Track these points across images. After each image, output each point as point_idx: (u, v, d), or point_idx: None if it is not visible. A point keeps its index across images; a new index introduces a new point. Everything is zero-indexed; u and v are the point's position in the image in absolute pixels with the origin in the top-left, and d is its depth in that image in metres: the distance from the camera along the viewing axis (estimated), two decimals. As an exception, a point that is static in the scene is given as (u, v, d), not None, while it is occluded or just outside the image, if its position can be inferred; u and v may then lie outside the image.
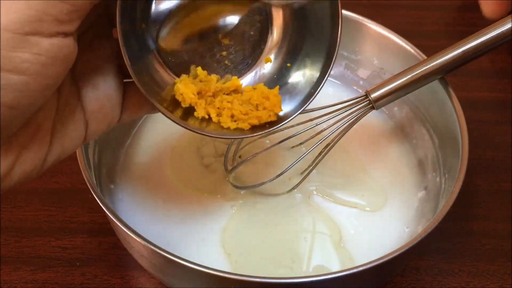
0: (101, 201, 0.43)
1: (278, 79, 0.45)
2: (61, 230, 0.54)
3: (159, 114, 0.39)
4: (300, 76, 0.44)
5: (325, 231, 0.51)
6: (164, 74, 0.41)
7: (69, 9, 0.30)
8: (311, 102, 0.42)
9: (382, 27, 0.59)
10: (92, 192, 0.43)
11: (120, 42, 0.34)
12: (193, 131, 0.40)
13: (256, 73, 0.45)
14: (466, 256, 0.54)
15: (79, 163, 0.46)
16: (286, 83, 0.44)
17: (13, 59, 0.29)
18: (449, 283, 0.52)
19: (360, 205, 0.54)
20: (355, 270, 0.40)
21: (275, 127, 0.42)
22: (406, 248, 0.41)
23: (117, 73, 0.38)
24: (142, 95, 0.37)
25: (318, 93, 0.42)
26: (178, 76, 0.42)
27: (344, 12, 0.59)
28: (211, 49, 0.43)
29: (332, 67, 0.42)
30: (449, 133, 0.51)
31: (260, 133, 0.42)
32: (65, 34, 0.30)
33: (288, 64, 0.45)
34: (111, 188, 0.53)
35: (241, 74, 0.44)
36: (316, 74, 0.43)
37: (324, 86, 0.42)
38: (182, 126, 0.39)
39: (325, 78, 0.42)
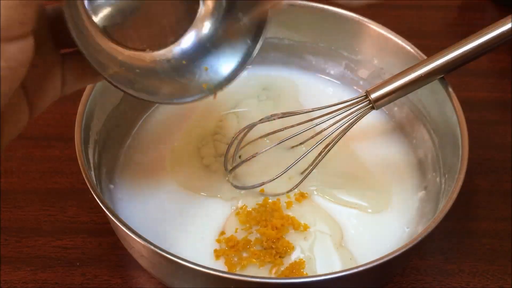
0: (101, 201, 0.43)
1: (215, 42, 0.46)
2: (61, 230, 0.54)
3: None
4: (237, 41, 0.45)
5: (326, 231, 0.51)
6: (104, 41, 0.41)
7: (33, 10, 0.30)
8: (251, 61, 0.44)
9: (382, 27, 0.59)
10: (92, 192, 0.43)
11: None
12: (141, 99, 0.40)
13: (195, 35, 0.46)
14: (466, 256, 0.54)
15: (79, 163, 0.46)
16: (225, 44, 0.46)
17: None
18: (449, 283, 0.52)
19: (361, 206, 0.54)
20: (355, 270, 0.40)
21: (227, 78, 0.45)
22: (406, 248, 0.41)
23: (53, 46, 0.37)
24: (82, 65, 0.36)
25: (255, 53, 0.44)
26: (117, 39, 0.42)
27: (344, 12, 0.60)
28: (147, 12, 0.43)
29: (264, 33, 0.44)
30: (449, 133, 0.51)
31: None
32: (28, 34, 0.30)
33: (223, 29, 0.45)
34: (111, 188, 0.53)
35: (178, 35, 0.45)
36: (251, 40, 0.45)
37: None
38: (126, 92, 0.39)
39: (258, 45, 0.44)
